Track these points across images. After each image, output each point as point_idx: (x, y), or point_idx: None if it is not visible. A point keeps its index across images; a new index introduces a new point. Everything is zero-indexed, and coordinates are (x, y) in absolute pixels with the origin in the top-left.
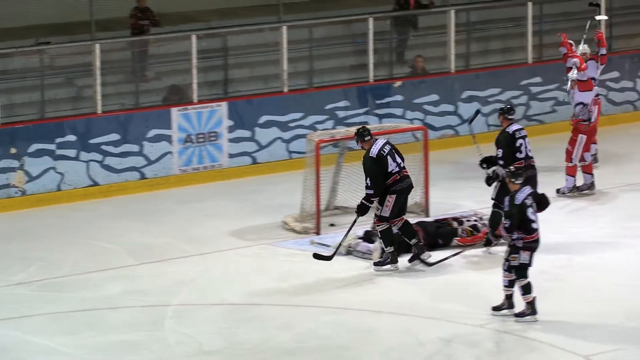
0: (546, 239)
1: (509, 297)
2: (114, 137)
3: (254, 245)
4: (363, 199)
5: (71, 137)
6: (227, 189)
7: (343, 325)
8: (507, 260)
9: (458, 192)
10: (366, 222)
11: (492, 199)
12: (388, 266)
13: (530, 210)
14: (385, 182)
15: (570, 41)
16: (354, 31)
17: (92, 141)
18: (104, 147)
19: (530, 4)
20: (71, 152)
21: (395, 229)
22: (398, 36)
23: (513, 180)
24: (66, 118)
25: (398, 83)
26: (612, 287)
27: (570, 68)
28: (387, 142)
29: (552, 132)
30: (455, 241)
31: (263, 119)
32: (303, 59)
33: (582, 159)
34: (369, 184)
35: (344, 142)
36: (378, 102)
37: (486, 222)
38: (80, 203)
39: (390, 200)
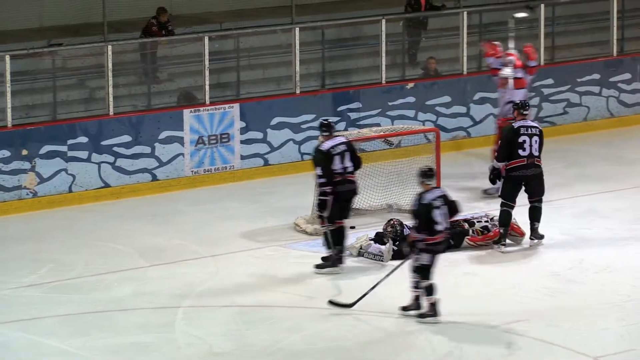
0: (555, 241)
1: (416, 298)
2: (126, 138)
3: (266, 247)
4: (319, 195)
5: (83, 139)
6: (239, 190)
7: (354, 327)
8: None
9: (469, 193)
10: (378, 224)
11: (499, 196)
12: (328, 269)
13: (436, 212)
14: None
15: (496, 42)
16: (366, 33)
17: (104, 143)
18: (115, 149)
19: (542, 6)
20: (83, 154)
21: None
22: (410, 38)
23: (423, 180)
24: (78, 120)
25: (410, 85)
26: (628, 288)
27: (497, 69)
28: (345, 143)
29: (563, 133)
30: (466, 241)
31: (275, 120)
32: (315, 61)
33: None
34: (320, 173)
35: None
36: (390, 103)
37: (496, 223)
38: (92, 205)
39: (329, 200)
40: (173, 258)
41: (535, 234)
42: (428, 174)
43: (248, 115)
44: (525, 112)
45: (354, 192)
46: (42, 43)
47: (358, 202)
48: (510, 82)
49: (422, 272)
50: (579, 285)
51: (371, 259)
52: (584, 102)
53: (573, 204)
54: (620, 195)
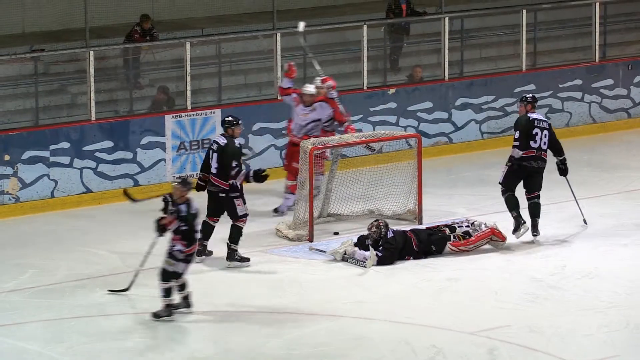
0: (538, 246)
1: (185, 298)
2: (108, 144)
3: (247, 252)
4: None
5: (65, 144)
6: None
7: (335, 332)
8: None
9: (451, 199)
10: (360, 230)
11: (500, 183)
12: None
13: (198, 220)
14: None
15: (292, 62)
16: (348, 38)
17: (85, 148)
18: (97, 154)
19: (524, 12)
20: (65, 159)
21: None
22: (392, 43)
23: (188, 190)
24: (60, 125)
25: (392, 90)
26: (610, 294)
27: (286, 89)
28: (219, 145)
29: None
30: (448, 246)
31: (257, 126)
32: (297, 67)
33: (295, 178)
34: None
35: (337, 150)
36: (372, 109)
37: (477, 228)
38: (74, 210)
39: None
40: (154, 263)
41: (536, 230)
42: (186, 183)
43: None
44: (536, 105)
45: (212, 194)
46: (24, 49)
47: (339, 207)
48: (340, 106)
49: (167, 275)
50: (561, 291)
51: (354, 264)
52: (566, 108)
53: (556, 209)
54: (603, 201)
